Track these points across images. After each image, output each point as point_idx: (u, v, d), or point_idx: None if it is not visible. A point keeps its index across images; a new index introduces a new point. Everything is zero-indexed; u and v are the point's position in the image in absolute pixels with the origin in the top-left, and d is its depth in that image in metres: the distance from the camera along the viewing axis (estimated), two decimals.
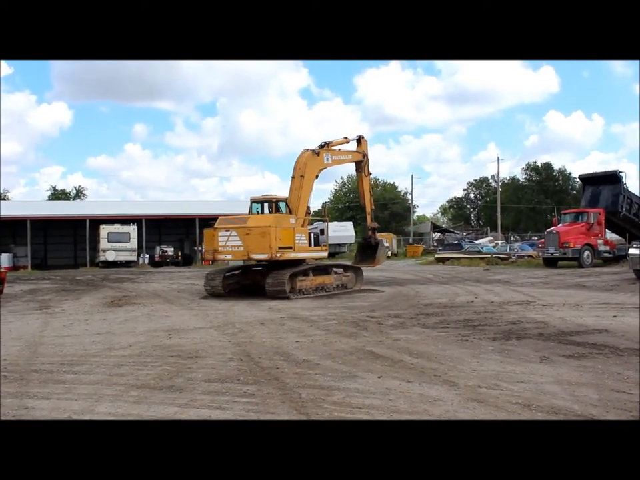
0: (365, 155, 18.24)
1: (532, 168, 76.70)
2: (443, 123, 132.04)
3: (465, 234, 62.08)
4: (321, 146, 16.64)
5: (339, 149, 17.45)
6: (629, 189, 28.67)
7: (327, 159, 16.74)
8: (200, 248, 41.30)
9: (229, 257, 15.61)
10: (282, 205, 16.35)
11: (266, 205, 16.71)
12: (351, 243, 54.99)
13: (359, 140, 18.10)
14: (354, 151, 17.99)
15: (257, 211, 16.66)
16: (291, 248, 15.26)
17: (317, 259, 17.23)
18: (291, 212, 15.84)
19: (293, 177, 16.15)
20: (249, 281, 16.47)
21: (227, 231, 15.26)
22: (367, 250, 18.41)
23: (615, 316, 10.30)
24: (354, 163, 18.18)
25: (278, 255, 14.82)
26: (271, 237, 14.63)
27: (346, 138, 17.72)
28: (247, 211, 16.98)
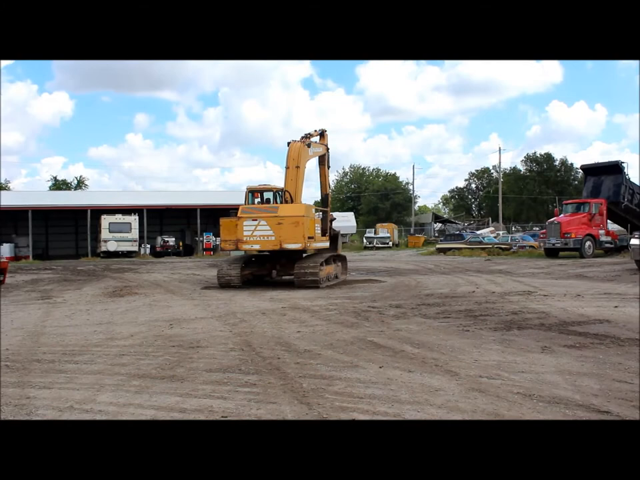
0: (328, 148, 18.52)
1: (532, 159, 76.42)
2: (446, 114, 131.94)
3: (466, 224, 62.03)
4: (305, 137, 16.77)
5: (315, 141, 17.68)
6: (631, 179, 28.65)
7: (311, 151, 16.94)
8: (201, 238, 41.35)
9: (257, 246, 15.30)
10: (273, 194, 16.55)
11: (265, 194, 16.77)
12: (352, 234, 55.01)
13: (322, 133, 18.32)
14: (322, 144, 18.21)
15: (257, 201, 16.71)
16: (313, 238, 15.46)
17: (319, 249, 17.28)
18: (286, 202, 15.96)
19: (287, 168, 16.16)
20: (265, 272, 16.42)
21: (254, 220, 15.07)
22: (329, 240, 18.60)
23: (616, 306, 10.28)
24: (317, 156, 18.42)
25: (308, 244, 15.00)
26: (304, 227, 14.75)
27: (315, 131, 17.87)
28: (244, 201, 16.99)
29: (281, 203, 16.13)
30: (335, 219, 19.70)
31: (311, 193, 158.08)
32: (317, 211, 18.13)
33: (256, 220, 15.06)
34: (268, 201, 16.64)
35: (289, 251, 15.22)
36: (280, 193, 16.44)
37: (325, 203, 18.47)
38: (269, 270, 16.41)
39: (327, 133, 18.44)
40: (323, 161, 18.39)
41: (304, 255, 16.03)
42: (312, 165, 17.74)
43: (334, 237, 18.61)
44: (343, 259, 18.15)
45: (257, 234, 14.99)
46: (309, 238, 15.09)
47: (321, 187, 18.80)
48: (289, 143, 16.46)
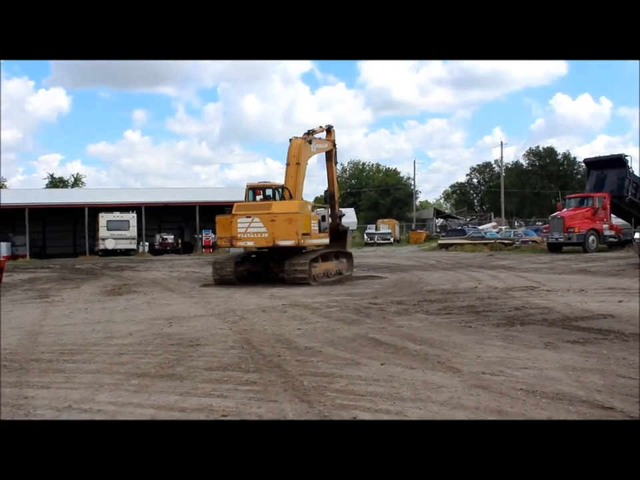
0: (335, 144, 18.53)
1: (534, 153, 76.23)
2: (448, 108, 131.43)
3: (468, 219, 61.93)
4: (308, 133, 16.75)
5: (319, 138, 17.65)
6: (635, 172, 28.51)
7: (314, 148, 16.93)
8: (200, 235, 41.25)
9: (250, 243, 15.41)
10: (273, 191, 16.53)
11: (265, 191, 16.76)
12: (353, 230, 54.95)
13: (329, 129, 18.32)
14: (328, 140, 18.20)
15: (256, 198, 16.70)
16: (308, 234, 15.42)
17: (319, 246, 17.22)
18: (284, 198, 15.92)
19: (288, 164, 16.19)
20: (261, 268, 16.41)
21: (247, 217, 15.11)
22: (335, 236, 18.37)
23: (620, 301, 10.21)
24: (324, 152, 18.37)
25: (302, 241, 15.00)
26: (297, 224, 14.79)
27: (321, 127, 17.84)
28: (244, 198, 16.96)
29: (281, 199, 16.11)
30: (344, 214, 19.66)
31: (313, 188, 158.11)
32: (315, 207, 18.11)
33: (250, 217, 15.11)
34: (268, 197, 16.62)
35: (282, 247, 15.20)
36: (279, 189, 16.41)
37: (331, 199, 18.44)
38: (263, 267, 16.40)
39: (333, 129, 18.40)
40: (330, 157, 18.37)
41: (302, 251, 15.95)
42: (313, 162, 17.75)
43: (343, 233, 18.58)
44: (348, 256, 18.08)
45: (250, 231, 15.06)
46: (304, 234, 15.04)
47: (328, 183, 18.75)
48: (290, 140, 16.45)
